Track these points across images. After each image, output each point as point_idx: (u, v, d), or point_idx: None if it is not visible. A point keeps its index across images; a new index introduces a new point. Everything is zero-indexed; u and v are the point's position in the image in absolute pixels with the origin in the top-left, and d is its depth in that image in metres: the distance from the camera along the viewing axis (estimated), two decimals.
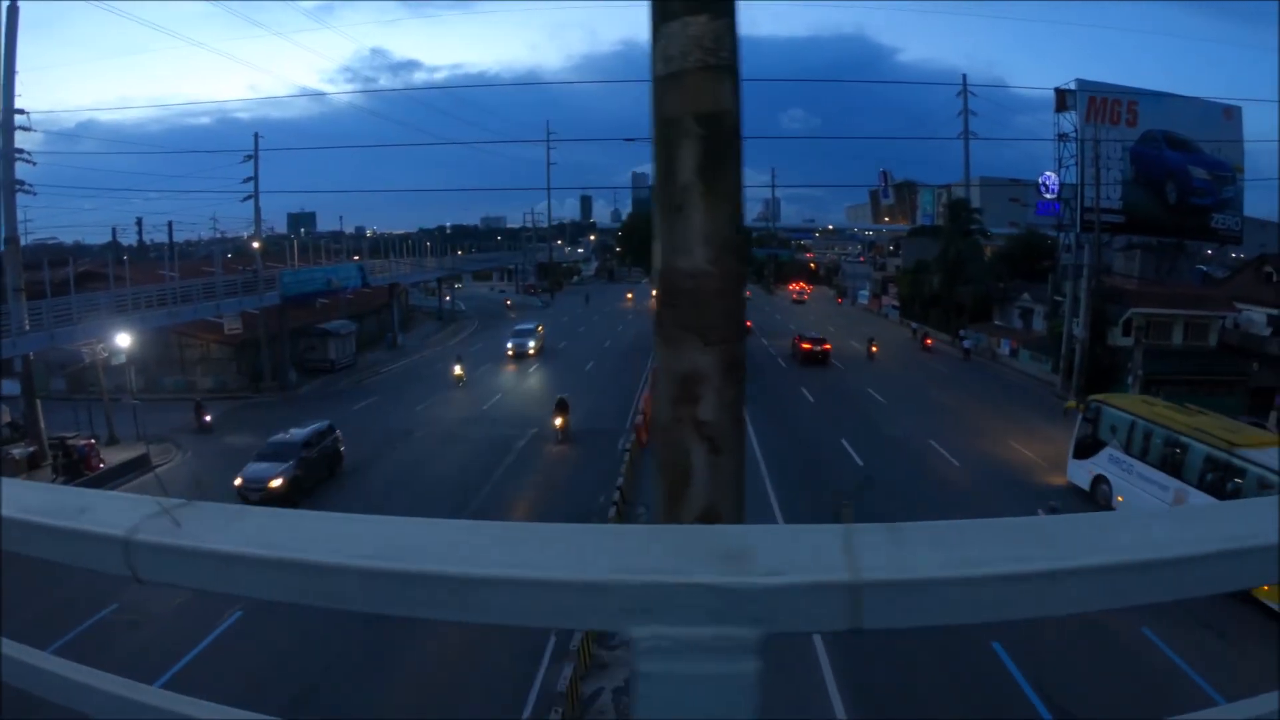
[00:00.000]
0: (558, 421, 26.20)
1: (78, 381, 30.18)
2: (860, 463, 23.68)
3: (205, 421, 29.27)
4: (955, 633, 11.43)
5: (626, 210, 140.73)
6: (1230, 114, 41.49)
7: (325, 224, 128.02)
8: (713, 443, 1.22)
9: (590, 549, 0.87)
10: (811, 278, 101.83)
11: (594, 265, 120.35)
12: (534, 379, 38.50)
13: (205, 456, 25.66)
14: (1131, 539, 0.85)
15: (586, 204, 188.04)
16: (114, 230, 79.56)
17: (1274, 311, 35.40)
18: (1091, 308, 34.55)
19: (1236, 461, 16.29)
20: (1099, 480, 20.36)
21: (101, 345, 27.22)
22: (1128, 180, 40.01)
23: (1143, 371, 31.26)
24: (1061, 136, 38.97)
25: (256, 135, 38.54)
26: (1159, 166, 40.35)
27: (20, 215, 26.47)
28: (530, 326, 47.35)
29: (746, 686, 0.80)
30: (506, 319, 61.45)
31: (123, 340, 27.73)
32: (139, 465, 24.33)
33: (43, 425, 25.13)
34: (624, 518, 18.55)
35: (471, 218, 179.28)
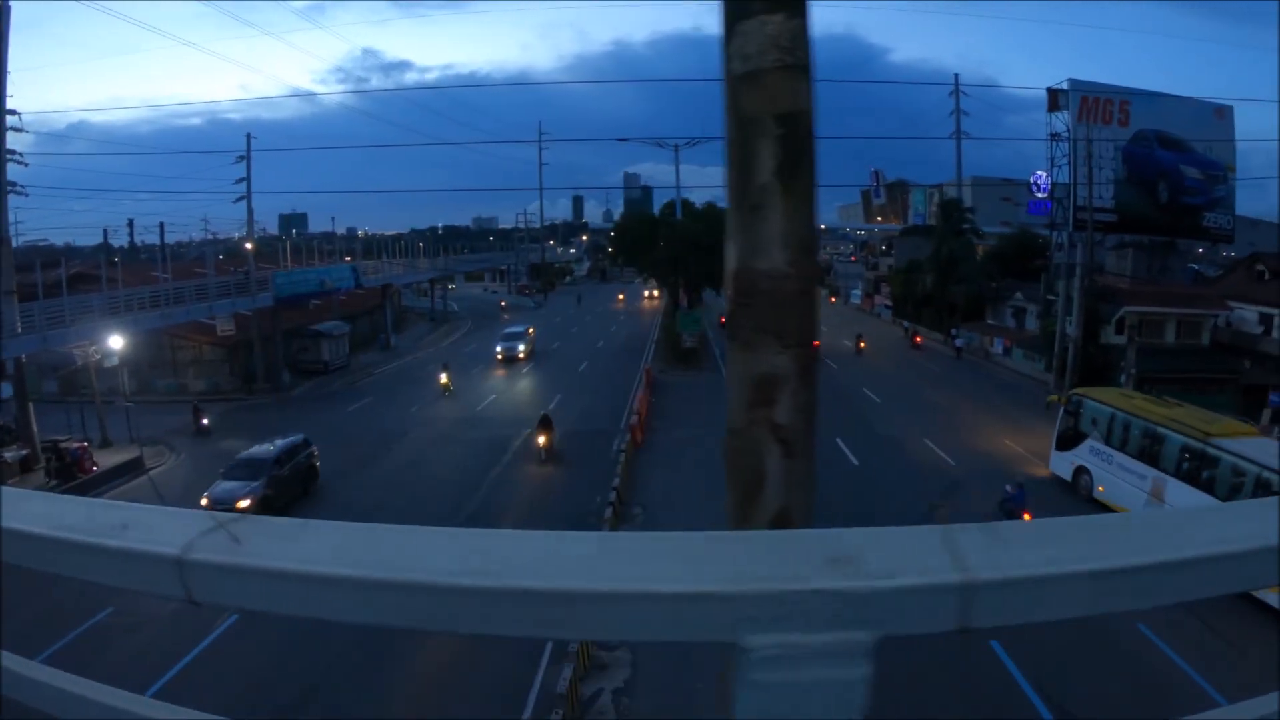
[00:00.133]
0: (541, 440, 24.15)
1: (70, 384, 30.05)
2: (855, 462, 23.69)
3: (203, 424, 29.14)
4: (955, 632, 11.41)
5: (618, 211, 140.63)
6: (1222, 114, 41.72)
7: (317, 225, 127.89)
8: (788, 445, 1.20)
9: (696, 557, 0.84)
10: None
11: (586, 266, 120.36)
12: (528, 380, 38.44)
13: (199, 459, 25.53)
14: (1207, 534, 0.86)
15: (578, 204, 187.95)
16: (105, 232, 79.18)
17: (1266, 310, 35.55)
18: (1084, 306, 34.66)
19: (1211, 450, 16.92)
20: (1080, 471, 21.03)
21: (94, 347, 27.09)
22: (1120, 179, 40.20)
23: (1136, 370, 31.36)
24: (1054, 136, 39.16)
25: (249, 136, 38.46)
26: (1151, 166, 40.55)
27: (10, 217, 26.29)
28: (520, 330, 45.94)
29: (858, 692, 0.80)
30: (500, 320, 61.40)
31: (115, 342, 27.59)
32: (132, 468, 24.24)
33: (35, 428, 24.98)
34: (620, 519, 18.57)
35: (463, 218, 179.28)
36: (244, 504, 18.73)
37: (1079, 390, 23.40)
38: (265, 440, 21.72)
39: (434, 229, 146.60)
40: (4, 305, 23.84)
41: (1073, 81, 39.57)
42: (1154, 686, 11.94)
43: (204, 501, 18.61)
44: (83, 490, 21.49)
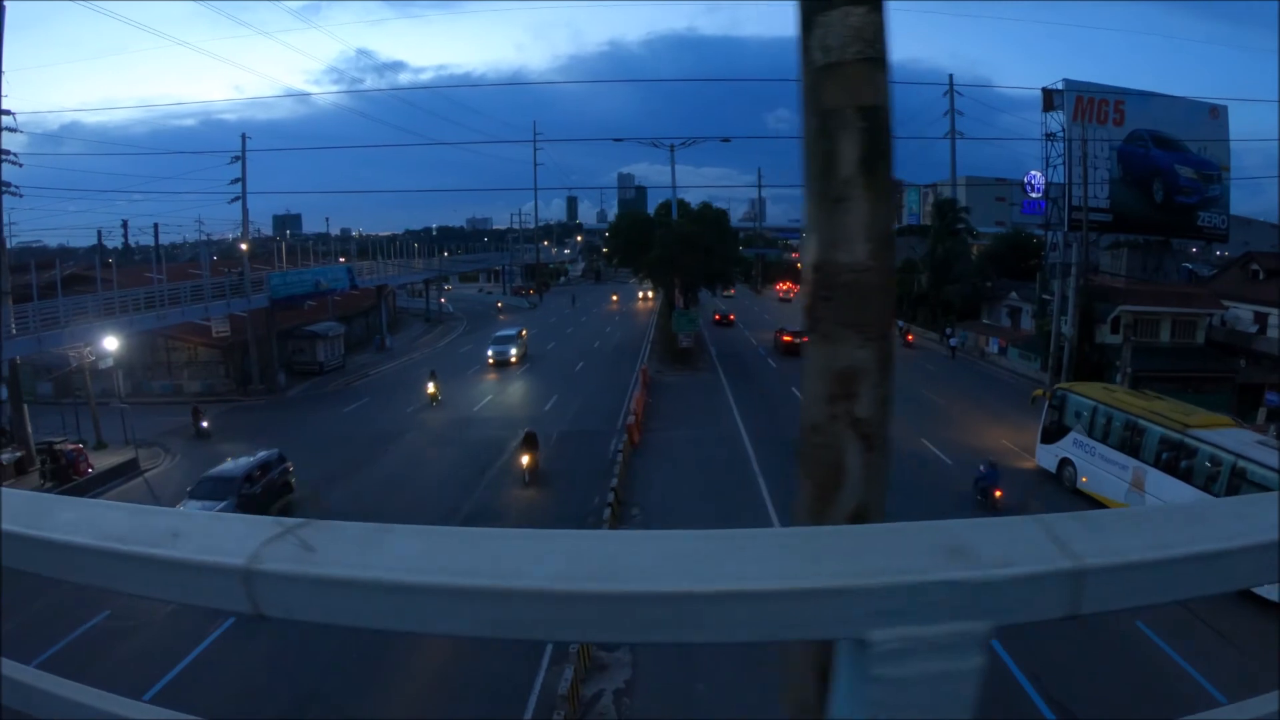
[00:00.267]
0: (524, 460, 21.90)
1: (65, 386, 29.91)
2: None
3: (203, 427, 28.82)
4: None
5: (613, 211, 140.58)
6: (1216, 113, 41.83)
7: (311, 226, 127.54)
8: (868, 440, 1.20)
9: (811, 553, 0.83)
10: (798, 277, 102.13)
11: (580, 266, 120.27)
12: (524, 381, 38.31)
13: (195, 461, 25.40)
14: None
15: (572, 205, 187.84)
16: (99, 233, 78.81)
17: (1261, 308, 35.69)
18: (1080, 306, 34.74)
19: (1189, 441, 17.63)
20: (1064, 463, 21.64)
21: (89, 349, 26.98)
22: (1115, 179, 40.29)
23: (1131, 369, 31.41)
24: (1049, 136, 39.21)
25: (244, 136, 38.35)
26: (1146, 165, 40.64)
27: (5, 218, 26.18)
28: (512, 332, 44.95)
29: (974, 682, 0.80)
30: (496, 321, 61.37)
31: (110, 344, 27.50)
32: (127, 470, 24.15)
33: (29, 430, 24.86)
34: (619, 519, 18.54)
35: (457, 219, 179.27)
36: None
37: (1063, 385, 24.18)
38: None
39: (428, 230, 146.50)
40: (0, 306, 23.76)
41: (1068, 81, 39.65)
42: (1154, 685, 11.95)
43: None
44: (78, 493, 21.40)
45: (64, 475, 23.12)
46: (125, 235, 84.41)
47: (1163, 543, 0.83)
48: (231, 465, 19.91)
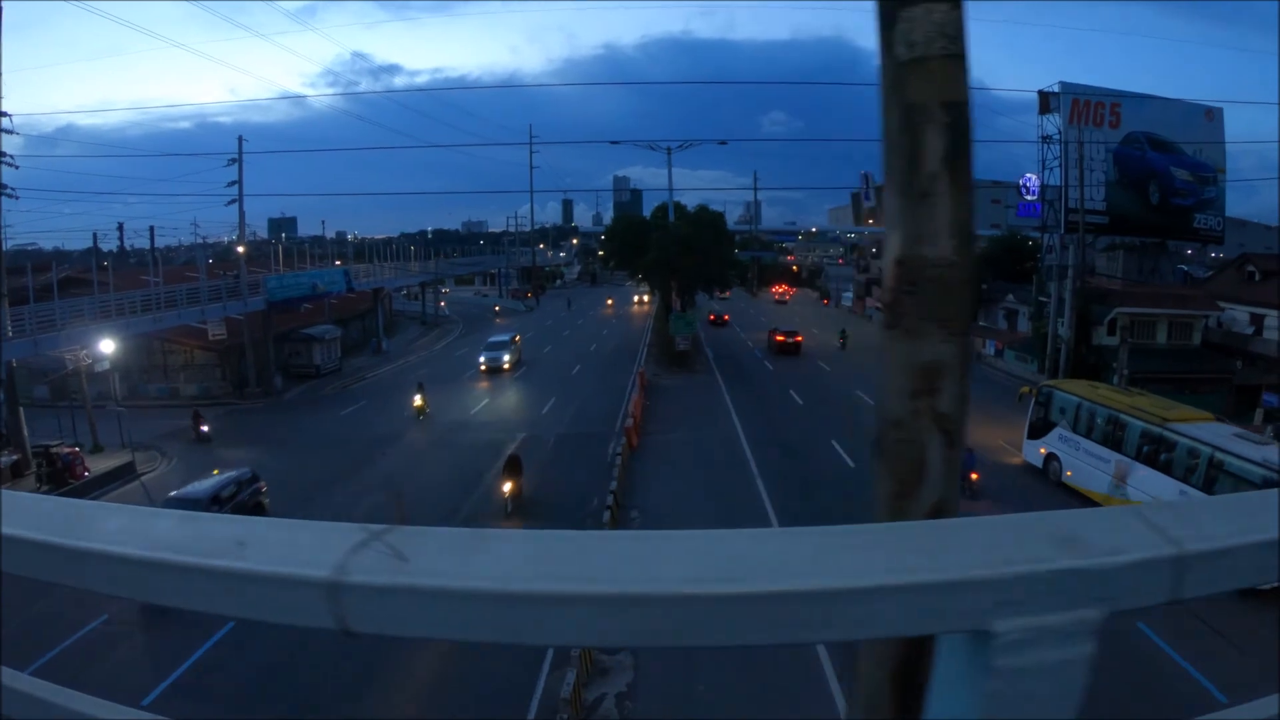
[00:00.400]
0: (506, 487, 19.61)
1: (61, 389, 29.79)
2: (851, 464, 23.70)
3: (204, 431, 28.44)
4: None
5: (608, 214, 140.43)
6: (1211, 115, 41.89)
7: (306, 229, 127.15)
8: (949, 435, 1.20)
9: (935, 547, 0.82)
10: (794, 280, 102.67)
11: (576, 269, 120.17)
12: (522, 383, 38.25)
13: (192, 464, 25.34)
14: None
15: (568, 207, 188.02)
16: (95, 235, 78.47)
17: (1257, 310, 35.79)
18: (1076, 308, 34.82)
19: (1169, 435, 18.25)
20: (1050, 457, 22.23)
21: (85, 352, 26.90)
22: (1111, 181, 40.31)
23: (1128, 370, 31.52)
24: (1045, 138, 39.26)
25: (240, 139, 38.20)
26: (1142, 167, 40.68)
27: (1, 220, 26.10)
28: (505, 338, 43.79)
29: (1086, 669, 0.81)
30: (493, 324, 61.35)
31: (106, 347, 27.43)
32: (124, 473, 24.04)
33: (26, 433, 24.76)
34: (618, 521, 18.51)
35: (453, 222, 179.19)
36: None
37: (1048, 382, 25.07)
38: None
39: (424, 233, 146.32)
40: None
41: (1064, 84, 39.71)
42: (1155, 685, 11.95)
43: None
44: (74, 496, 21.27)
45: (60, 479, 23.03)
46: (121, 238, 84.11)
47: (1254, 527, 0.85)
48: (197, 486, 18.61)
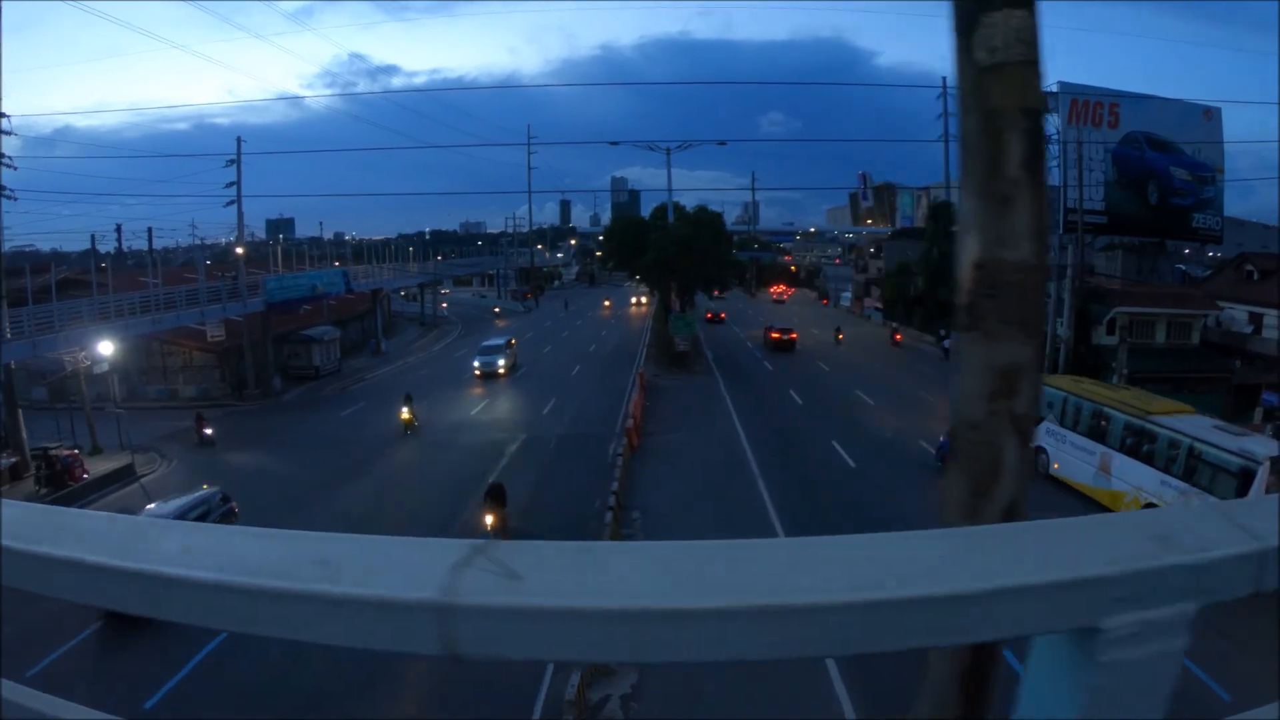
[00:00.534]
0: (489, 520, 17.43)
1: (59, 390, 29.72)
2: (852, 464, 23.71)
3: (207, 435, 27.78)
4: None
5: (606, 214, 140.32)
6: (1210, 115, 41.97)
7: (304, 229, 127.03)
8: (1024, 435, 1.21)
9: (1046, 548, 0.85)
10: (792, 280, 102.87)
11: (574, 270, 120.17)
12: (522, 384, 38.20)
13: (192, 466, 25.31)
14: None
15: (565, 208, 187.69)
16: (93, 237, 78.39)
17: (1256, 309, 35.84)
18: (1075, 308, 34.86)
19: (1150, 427, 18.86)
20: (1037, 451, 22.21)
21: (84, 353, 26.85)
22: (1110, 181, 40.41)
23: (1127, 370, 31.52)
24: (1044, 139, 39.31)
25: (239, 139, 38.16)
26: (1141, 167, 40.75)
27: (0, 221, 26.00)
28: (500, 342, 42.31)
29: (1180, 661, 0.84)
30: (493, 325, 61.34)
31: (105, 348, 27.38)
32: (123, 475, 23.96)
33: (24, 435, 24.70)
34: (620, 523, 18.48)
35: (451, 223, 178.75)
36: None
37: None
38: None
39: (421, 234, 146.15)
40: None
41: (1063, 84, 39.79)
42: None
43: None
44: (73, 498, 21.25)
45: (59, 481, 22.95)
46: (119, 239, 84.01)
47: None
48: (158, 508, 17.06)
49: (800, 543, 0.82)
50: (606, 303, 79.38)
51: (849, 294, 77.73)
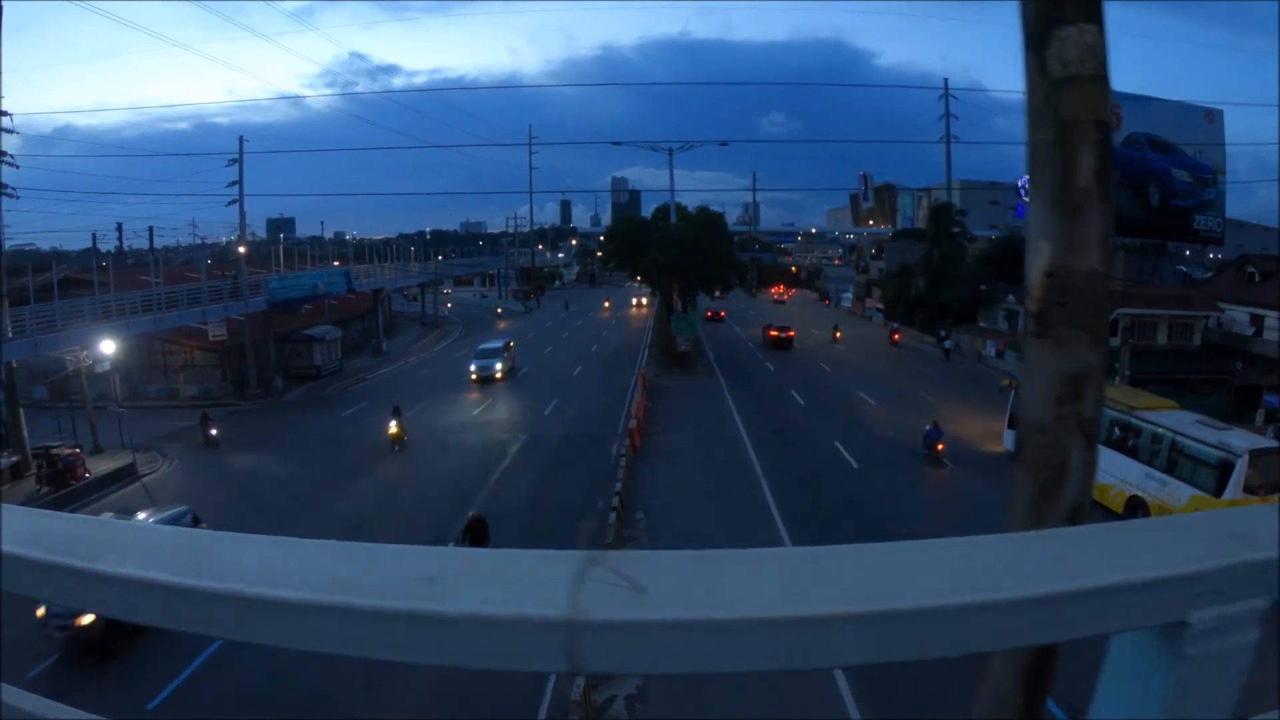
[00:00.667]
0: None
1: (60, 390, 29.70)
2: (855, 465, 23.70)
3: (212, 435, 27.51)
4: None
5: (606, 215, 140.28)
6: (1211, 117, 42.03)
7: (305, 229, 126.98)
8: (1089, 439, 1.25)
9: (1130, 548, 0.88)
10: (793, 281, 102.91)
11: (575, 270, 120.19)
12: (523, 385, 38.19)
13: (193, 465, 25.30)
14: None
15: (566, 208, 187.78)
16: (94, 236, 78.46)
17: (1257, 310, 35.86)
18: None
19: (1135, 421, 19.50)
20: None
21: (85, 353, 26.83)
22: (1111, 183, 40.41)
23: (1129, 371, 31.56)
24: None
25: (241, 139, 38.18)
26: (1142, 169, 40.80)
27: (1, 220, 25.98)
28: (497, 345, 41.68)
29: (1253, 654, 0.87)
30: (494, 326, 61.39)
31: (107, 347, 27.37)
32: (125, 475, 23.93)
33: (26, 434, 24.67)
34: (624, 523, 18.47)
35: (451, 223, 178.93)
36: (85, 618, 12.05)
37: None
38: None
39: (422, 233, 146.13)
40: None
41: None
42: None
43: (40, 612, 12.31)
44: (75, 498, 21.24)
45: (61, 480, 22.91)
46: (120, 238, 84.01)
47: None
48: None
49: (898, 547, 0.83)
50: (607, 303, 79.39)
51: (850, 295, 77.74)
